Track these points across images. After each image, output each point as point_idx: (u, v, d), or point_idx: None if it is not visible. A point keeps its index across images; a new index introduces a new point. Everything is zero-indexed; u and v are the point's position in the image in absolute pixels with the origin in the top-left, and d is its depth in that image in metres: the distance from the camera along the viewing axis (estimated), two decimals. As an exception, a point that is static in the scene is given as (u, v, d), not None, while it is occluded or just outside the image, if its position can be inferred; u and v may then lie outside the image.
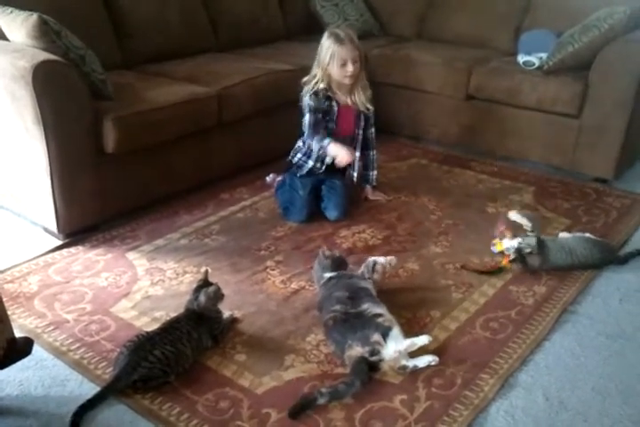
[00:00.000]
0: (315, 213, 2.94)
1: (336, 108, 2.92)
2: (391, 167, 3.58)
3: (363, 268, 2.32)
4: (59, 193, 2.57)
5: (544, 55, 3.49)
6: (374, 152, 3.14)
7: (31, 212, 2.77)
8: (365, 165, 3.15)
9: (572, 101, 3.31)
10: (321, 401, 1.81)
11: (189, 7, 3.68)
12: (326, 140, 2.83)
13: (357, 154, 3.02)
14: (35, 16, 2.51)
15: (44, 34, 2.52)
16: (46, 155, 2.49)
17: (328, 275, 2.26)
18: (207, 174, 3.22)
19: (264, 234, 2.81)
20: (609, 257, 2.61)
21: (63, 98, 2.47)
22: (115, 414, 1.80)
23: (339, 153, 2.83)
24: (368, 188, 3.16)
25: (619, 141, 3.25)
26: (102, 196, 2.72)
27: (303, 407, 1.79)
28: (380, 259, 2.34)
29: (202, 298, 2.03)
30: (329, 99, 2.89)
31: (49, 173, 2.53)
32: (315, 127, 2.87)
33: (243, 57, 3.66)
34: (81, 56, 2.62)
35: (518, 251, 2.51)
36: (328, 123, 2.92)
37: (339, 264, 2.31)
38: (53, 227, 2.66)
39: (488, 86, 3.59)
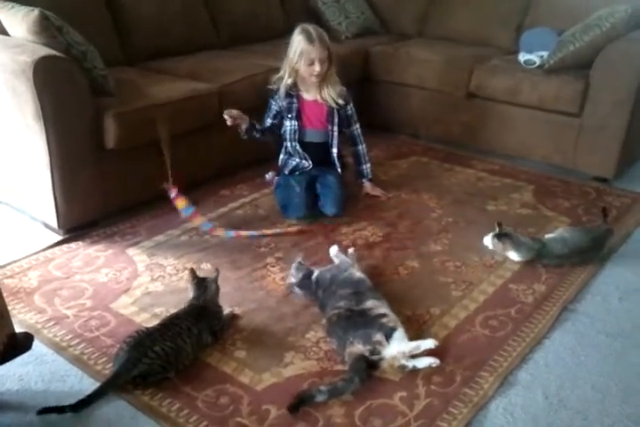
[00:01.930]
0: (314, 210, 2.94)
1: (296, 105, 2.93)
2: (391, 165, 3.58)
3: (335, 258, 2.41)
4: (59, 189, 2.57)
5: (545, 54, 3.49)
6: (363, 146, 3.15)
7: (31, 207, 2.77)
8: (357, 161, 3.16)
9: (573, 100, 3.31)
10: (320, 398, 1.81)
11: (190, 4, 3.67)
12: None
13: (334, 151, 3.03)
14: (36, 11, 2.51)
15: (45, 29, 2.52)
16: (47, 150, 2.49)
17: (314, 276, 2.28)
18: (207, 171, 3.22)
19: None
20: (601, 239, 2.64)
21: (64, 93, 2.46)
22: (115, 409, 1.80)
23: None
24: (366, 183, 3.16)
25: (619, 140, 3.25)
26: (103, 191, 2.72)
27: (302, 402, 1.79)
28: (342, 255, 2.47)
29: (212, 286, 2.07)
30: (290, 96, 2.92)
31: (49, 168, 2.53)
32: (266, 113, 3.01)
33: (243, 54, 3.66)
34: (82, 52, 2.61)
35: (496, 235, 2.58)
36: (290, 120, 2.93)
37: (306, 274, 2.32)
38: (54, 222, 2.66)
39: (489, 84, 3.59)
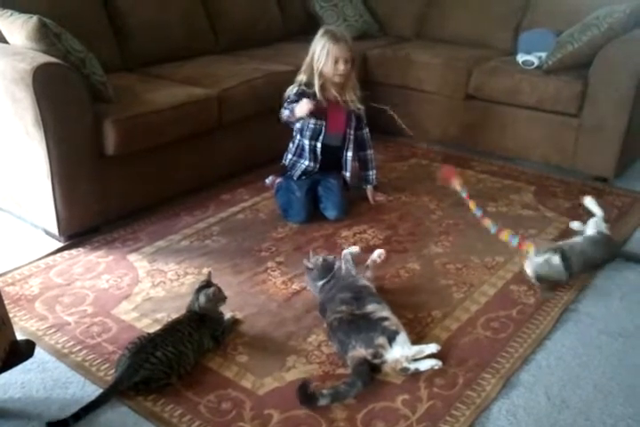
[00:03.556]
0: (315, 214, 2.94)
1: (325, 106, 2.89)
2: (391, 167, 3.58)
3: (344, 264, 2.32)
4: (59, 195, 2.58)
5: (543, 54, 3.49)
6: (371, 151, 3.14)
7: (32, 214, 2.77)
8: (364, 166, 3.15)
9: (572, 101, 3.31)
10: (322, 402, 1.81)
11: (189, 9, 3.69)
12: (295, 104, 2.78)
13: (349, 154, 3.02)
14: (34, 19, 2.52)
15: (44, 36, 2.53)
16: (46, 157, 2.50)
17: (321, 283, 2.27)
18: (208, 175, 3.23)
19: (265, 235, 2.81)
20: (614, 251, 2.62)
21: (63, 100, 2.47)
22: (117, 416, 1.80)
23: (300, 105, 2.75)
24: (370, 189, 3.15)
25: (618, 140, 3.25)
26: (103, 198, 2.73)
27: (309, 398, 1.80)
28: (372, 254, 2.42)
29: (201, 299, 2.03)
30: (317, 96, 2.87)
31: (49, 175, 2.53)
32: (291, 103, 2.83)
33: (242, 58, 3.67)
34: (81, 58, 2.62)
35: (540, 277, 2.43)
36: (317, 119, 2.90)
37: (326, 269, 2.28)
38: (54, 229, 2.66)
39: (487, 86, 3.59)
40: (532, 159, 3.61)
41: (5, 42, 2.71)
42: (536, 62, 3.50)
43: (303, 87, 2.86)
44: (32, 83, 2.36)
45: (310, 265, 2.30)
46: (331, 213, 2.94)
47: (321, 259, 2.31)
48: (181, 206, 3.05)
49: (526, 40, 3.78)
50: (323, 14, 4.28)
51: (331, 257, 2.35)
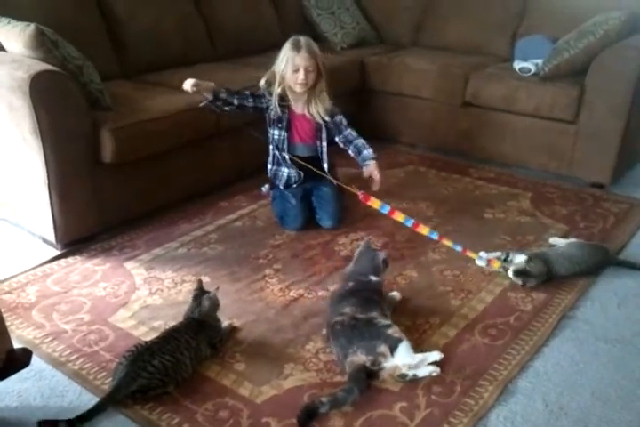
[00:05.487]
0: (311, 221, 2.94)
1: (287, 116, 2.86)
2: (389, 174, 3.57)
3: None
4: (56, 203, 2.57)
5: (540, 61, 3.50)
6: (361, 139, 2.92)
7: (29, 222, 2.77)
8: (358, 151, 2.91)
9: (569, 107, 3.32)
10: (322, 410, 1.80)
11: (186, 17, 3.70)
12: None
13: (326, 166, 2.92)
14: (32, 27, 2.53)
15: (41, 44, 2.53)
16: (44, 165, 2.50)
17: (374, 278, 2.24)
18: (206, 183, 3.23)
19: (262, 242, 2.81)
20: (607, 258, 2.62)
21: (61, 108, 2.47)
22: (114, 425, 1.79)
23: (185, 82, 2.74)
24: (373, 164, 2.87)
25: (615, 147, 3.26)
26: (100, 205, 2.73)
27: (310, 416, 1.79)
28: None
29: (206, 303, 2.04)
30: (281, 106, 2.83)
31: (47, 183, 2.53)
32: (239, 90, 2.85)
33: (239, 66, 3.67)
34: (78, 66, 2.63)
35: (517, 273, 2.47)
36: (280, 130, 2.88)
37: (377, 268, 2.28)
38: (51, 237, 2.66)
39: (484, 93, 3.60)
40: (529, 166, 3.62)
41: (3, 50, 2.71)
42: (533, 69, 3.52)
43: (266, 94, 2.84)
44: (29, 91, 2.37)
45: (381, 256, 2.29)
46: (326, 223, 2.93)
47: (382, 257, 2.30)
48: (179, 214, 3.05)
49: (523, 47, 3.79)
50: (320, 22, 4.30)
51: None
